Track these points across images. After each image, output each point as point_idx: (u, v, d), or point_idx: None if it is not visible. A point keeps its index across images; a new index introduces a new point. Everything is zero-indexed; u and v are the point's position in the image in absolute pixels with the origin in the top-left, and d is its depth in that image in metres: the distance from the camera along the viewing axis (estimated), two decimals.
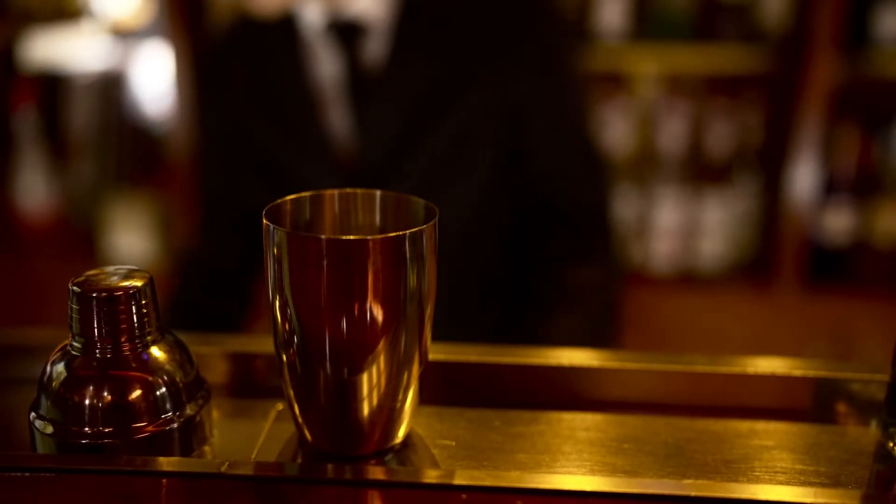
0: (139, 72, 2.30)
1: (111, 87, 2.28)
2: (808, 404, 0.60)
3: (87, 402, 0.49)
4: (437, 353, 0.61)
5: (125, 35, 2.36)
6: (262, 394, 0.60)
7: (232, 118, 1.22)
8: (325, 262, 0.46)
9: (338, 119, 1.16)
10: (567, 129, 1.14)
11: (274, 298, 0.49)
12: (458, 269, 1.14)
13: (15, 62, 2.30)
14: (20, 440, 0.58)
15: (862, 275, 2.13)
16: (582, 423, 0.58)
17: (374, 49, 1.13)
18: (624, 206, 2.08)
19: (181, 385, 0.52)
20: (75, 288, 0.50)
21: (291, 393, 0.51)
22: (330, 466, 0.50)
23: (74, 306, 0.50)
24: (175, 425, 0.51)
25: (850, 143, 2.10)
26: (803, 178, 2.03)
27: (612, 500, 0.48)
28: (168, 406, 0.51)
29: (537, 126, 1.12)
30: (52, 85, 2.28)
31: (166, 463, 0.52)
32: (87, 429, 0.49)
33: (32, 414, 0.52)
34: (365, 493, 0.49)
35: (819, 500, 0.48)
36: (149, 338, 0.51)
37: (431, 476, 0.50)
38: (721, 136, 2.11)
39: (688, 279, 2.12)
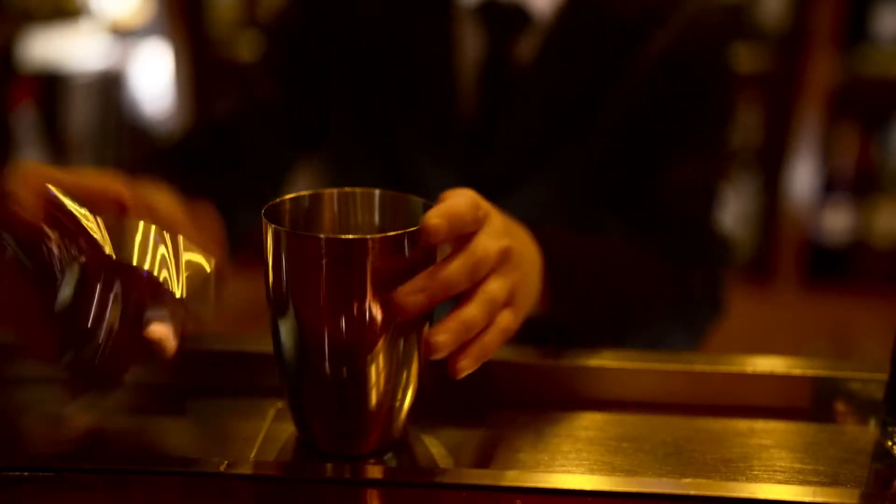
0: (138, 71, 2.30)
1: (110, 86, 2.28)
2: (807, 403, 0.60)
3: None
4: None
5: (124, 34, 2.36)
6: (260, 393, 0.59)
7: (355, 51, 1.04)
8: (324, 262, 0.46)
9: (468, 108, 1.02)
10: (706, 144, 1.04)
11: (273, 298, 0.49)
12: None
13: (14, 61, 2.30)
14: (20, 440, 0.58)
15: (861, 273, 2.13)
16: (581, 422, 0.58)
17: (529, 43, 1.01)
18: None
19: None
20: None
21: (290, 392, 0.51)
22: (329, 466, 0.50)
23: None
24: None
25: (848, 142, 2.11)
26: (802, 177, 2.03)
27: (611, 499, 0.48)
28: None
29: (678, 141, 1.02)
30: (51, 84, 2.28)
31: (165, 462, 0.52)
32: None
33: None
34: (364, 493, 0.49)
35: (818, 499, 0.48)
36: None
37: (431, 475, 0.50)
38: None
39: None
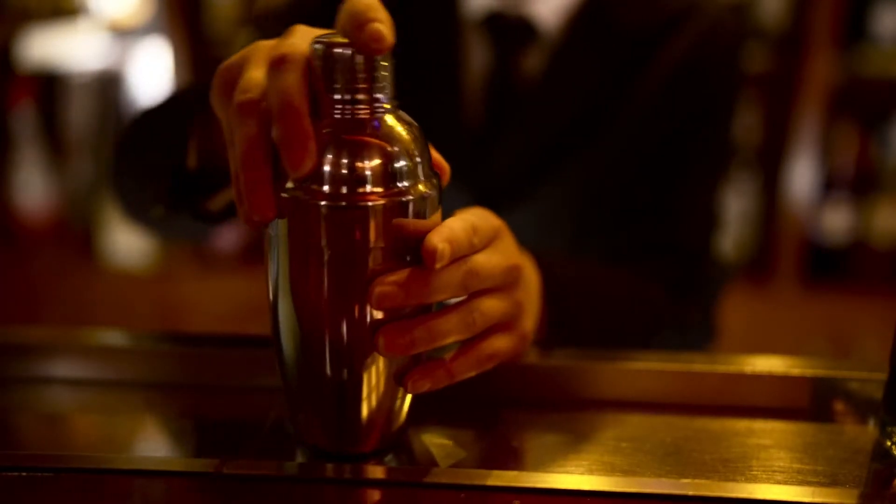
0: (137, 70, 2.30)
1: (109, 85, 2.28)
2: (806, 403, 0.60)
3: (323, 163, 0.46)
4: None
5: (123, 34, 2.36)
6: (260, 392, 0.60)
7: None
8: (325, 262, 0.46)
9: (474, 121, 1.02)
10: (708, 170, 1.03)
11: (273, 296, 0.49)
12: None
13: (12, 60, 2.29)
14: (20, 439, 0.59)
15: (860, 273, 2.13)
16: (580, 422, 0.58)
17: (535, 57, 1.00)
18: None
19: (418, 160, 0.48)
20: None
21: (289, 392, 0.51)
22: (329, 466, 0.50)
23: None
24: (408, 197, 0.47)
25: (848, 142, 2.11)
26: (801, 176, 2.03)
27: (611, 499, 0.48)
28: (402, 177, 0.47)
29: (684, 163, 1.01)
30: (50, 83, 2.28)
31: (164, 462, 0.52)
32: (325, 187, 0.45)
33: None
34: (364, 493, 0.49)
35: (817, 500, 0.48)
36: (387, 105, 0.48)
37: (430, 475, 0.50)
38: None
39: None
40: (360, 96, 0.46)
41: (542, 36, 0.99)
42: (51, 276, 2.23)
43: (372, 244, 0.46)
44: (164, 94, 0.81)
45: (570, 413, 0.59)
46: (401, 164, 0.47)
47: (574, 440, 0.56)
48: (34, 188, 2.24)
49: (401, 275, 0.47)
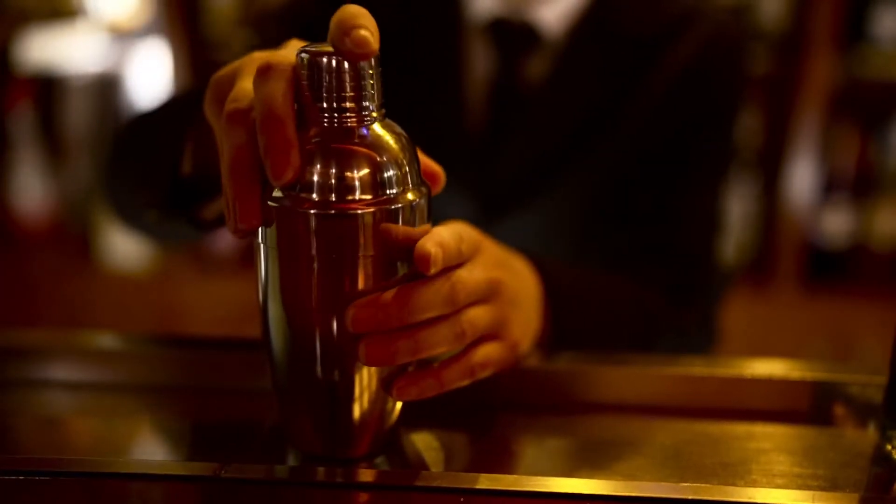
0: (136, 72, 2.30)
1: (108, 87, 2.27)
2: (806, 407, 0.60)
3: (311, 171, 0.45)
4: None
5: (122, 35, 2.36)
6: (257, 395, 0.59)
7: None
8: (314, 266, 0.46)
9: (477, 125, 1.01)
10: (709, 179, 1.03)
11: (262, 302, 0.49)
12: None
13: (11, 62, 2.29)
14: (18, 442, 0.58)
15: (860, 275, 2.13)
16: (580, 426, 0.58)
17: (538, 61, 1.00)
18: None
19: (406, 168, 0.48)
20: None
21: (279, 395, 0.51)
22: (322, 469, 0.50)
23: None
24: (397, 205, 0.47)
25: (848, 144, 2.11)
26: (801, 178, 2.03)
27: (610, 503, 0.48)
28: (390, 185, 0.47)
29: (686, 173, 1.01)
30: (48, 85, 2.28)
31: (162, 466, 0.52)
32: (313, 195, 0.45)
33: None
34: (357, 497, 0.49)
35: None
36: (375, 113, 0.48)
37: (427, 479, 0.50)
38: None
39: None
40: (348, 104, 0.46)
41: (546, 41, 0.99)
42: (49, 278, 2.23)
43: (361, 252, 0.46)
44: (162, 99, 0.81)
45: (568, 416, 0.59)
46: (389, 172, 0.47)
47: (573, 444, 0.55)
48: (32, 190, 2.24)
49: (384, 295, 0.47)
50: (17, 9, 2.20)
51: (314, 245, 0.46)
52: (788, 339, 2.13)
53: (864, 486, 0.51)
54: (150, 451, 0.58)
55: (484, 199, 1.01)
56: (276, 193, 0.46)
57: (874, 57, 2.01)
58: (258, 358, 0.61)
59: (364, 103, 0.47)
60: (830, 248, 2.12)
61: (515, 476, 0.51)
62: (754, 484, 0.50)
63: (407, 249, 0.47)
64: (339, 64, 0.45)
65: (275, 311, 0.48)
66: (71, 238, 2.30)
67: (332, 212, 0.45)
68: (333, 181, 0.45)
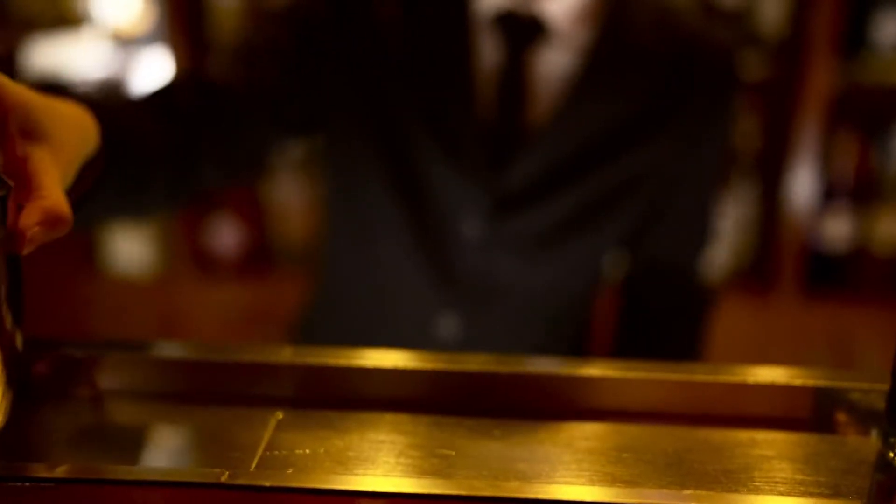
0: (139, 79, 2.30)
1: (111, 94, 2.28)
2: (808, 414, 0.60)
3: None
4: (438, 362, 0.60)
5: (125, 42, 2.37)
6: (261, 403, 0.59)
7: (369, 66, 1.03)
8: None
9: (485, 117, 1.02)
10: (701, 214, 1.08)
11: None
12: (548, 318, 1.08)
13: (16, 69, 2.30)
14: (18, 450, 0.58)
15: (861, 281, 2.12)
16: (581, 433, 0.58)
17: (548, 57, 1.01)
18: None
19: None
20: None
21: None
22: (329, 477, 0.50)
23: None
24: None
25: (848, 150, 2.11)
26: (801, 184, 2.03)
27: None
28: None
29: (678, 203, 1.06)
30: (53, 92, 2.28)
31: (165, 473, 0.52)
32: None
33: None
34: None
35: None
36: None
37: (430, 486, 0.50)
38: None
39: None
40: None
41: (553, 33, 0.99)
42: (51, 284, 2.23)
43: None
44: None
45: (570, 423, 0.59)
46: None
47: (575, 451, 0.55)
48: None
49: None
50: (23, 15, 2.20)
51: None
52: (789, 345, 2.13)
53: (866, 493, 0.51)
54: (154, 457, 0.58)
55: (498, 194, 1.01)
56: None
57: (874, 63, 2.01)
58: (261, 364, 0.61)
59: None
60: (831, 253, 2.12)
61: (518, 483, 0.51)
62: (757, 491, 0.50)
63: None
64: None
65: None
66: (74, 243, 2.30)
67: None
68: None
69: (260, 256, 2.22)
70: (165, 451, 0.59)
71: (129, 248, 2.24)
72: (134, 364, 0.63)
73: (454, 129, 1.01)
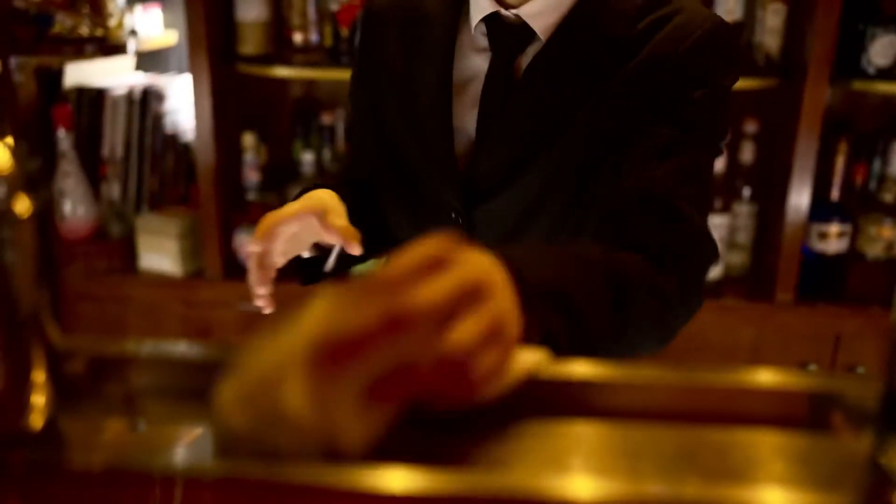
0: (171, 93, 2.32)
1: (147, 105, 2.29)
2: (804, 415, 0.59)
3: None
4: None
5: (156, 54, 2.38)
6: None
7: (373, 88, 1.11)
8: None
9: (467, 120, 1.04)
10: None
11: None
12: None
13: (56, 81, 2.32)
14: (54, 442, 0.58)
15: (855, 290, 2.11)
16: (582, 433, 0.57)
17: (529, 58, 1.01)
18: None
19: None
20: None
21: None
22: (342, 469, 0.50)
23: None
24: None
25: (843, 164, 2.10)
26: (798, 197, 2.02)
27: None
28: None
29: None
30: (89, 105, 2.30)
31: (194, 469, 0.51)
32: None
33: None
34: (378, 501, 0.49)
35: None
36: None
37: (434, 484, 0.49)
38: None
39: None
40: None
41: (537, 35, 0.99)
42: (89, 293, 2.24)
43: None
44: None
45: (571, 424, 0.58)
46: None
47: (574, 450, 0.55)
48: (75, 206, 2.25)
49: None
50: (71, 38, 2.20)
51: None
52: (785, 352, 2.11)
53: (860, 494, 0.50)
54: (174, 453, 0.58)
55: (466, 185, 1.04)
56: None
57: (868, 80, 2.00)
58: None
59: None
60: (826, 263, 2.11)
61: (523, 482, 0.50)
62: (753, 491, 0.50)
63: None
64: None
65: None
66: (111, 247, 2.31)
67: None
68: None
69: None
70: (194, 448, 0.59)
71: (162, 259, 2.25)
72: (166, 364, 0.63)
73: (436, 130, 1.05)
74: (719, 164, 2.09)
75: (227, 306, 2.20)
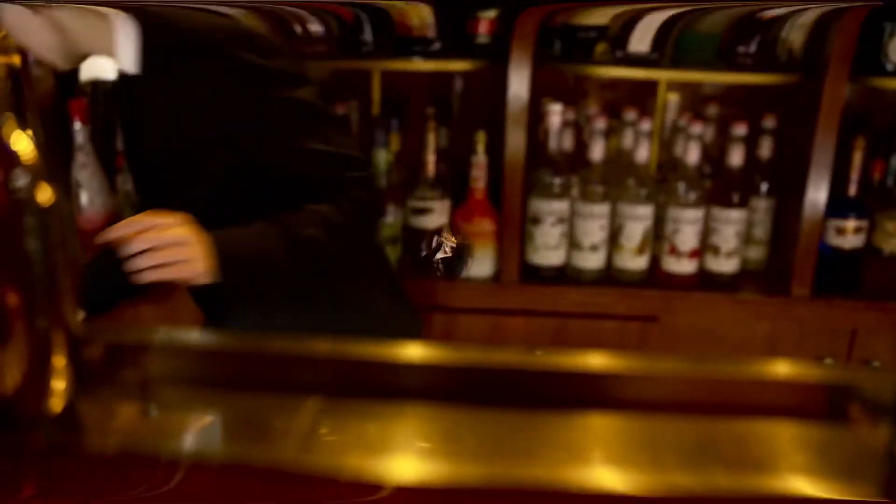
0: None
1: None
2: (823, 407, 0.59)
3: None
4: (467, 354, 0.60)
5: None
6: (298, 390, 0.59)
7: None
8: None
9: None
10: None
11: None
12: None
13: (72, 75, 2.32)
14: (72, 426, 0.59)
15: (872, 285, 2.10)
16: (605, 424, 0.57)
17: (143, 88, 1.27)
18: (644, 217, 2.06)
19: None
20: None
21: None
22: (356, 464, 0.50)
23: None
24: None
25: (862, 160, 2.08)
26: (816, 192, 2.00)
27: (634, 500, 0.48)
28: None
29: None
30: (105, 97, 2.31)
31: (209, 455, 0.52)
32: None
33: None
34: (392, 495, 0.49)
35: (832, 497, 0.47)
36: None
37: (457, 474, 0.50)
38: (737, 152, 2.09)
39: (706, 288, 2.10)
40: None
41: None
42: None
43: None
44: None
45: (593, 415, 0.58)
46: None
47: (598, 441, 0.55)
48: (92, 199, 2.27)
49: None
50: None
51: None
52: (803, 347, 2.10)
53: (877, 482, 0.50)
54: (189, 439, 0.58)
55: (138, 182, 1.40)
56: None
57: (888, 77, 1.99)
58: (298, 354, 0.61)
59: None
60: (844, 259, 2.10)
61: (543, 472, 0.50)
62: (772, 480, 0.50)
63: None
64: None
65: None
66: None
67: None
68: None
69: None
70: (208, 435, 0.59)
71: None
72: (182, 352, 0.63)
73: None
74: (738, 159, 2.08)
75: None
